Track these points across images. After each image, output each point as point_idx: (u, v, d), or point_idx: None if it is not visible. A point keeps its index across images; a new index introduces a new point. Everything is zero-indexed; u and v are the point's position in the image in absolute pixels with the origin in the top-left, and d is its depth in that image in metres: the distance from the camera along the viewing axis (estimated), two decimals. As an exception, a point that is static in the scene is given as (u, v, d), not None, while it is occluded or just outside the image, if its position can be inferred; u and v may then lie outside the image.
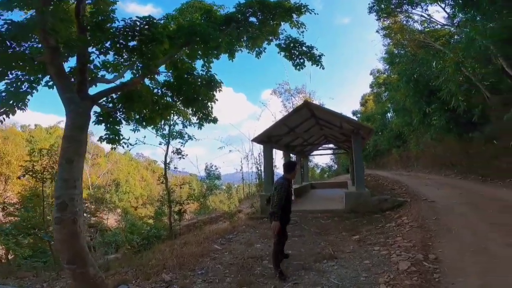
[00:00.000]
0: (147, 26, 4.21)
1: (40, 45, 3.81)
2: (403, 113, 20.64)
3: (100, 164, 40.77)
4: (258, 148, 17.83)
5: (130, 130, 7.13)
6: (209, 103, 5.27)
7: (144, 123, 5.31)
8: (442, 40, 15.75)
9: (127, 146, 5.64)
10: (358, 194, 8.49)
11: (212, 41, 5.11)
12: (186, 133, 9.09)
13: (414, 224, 5.63)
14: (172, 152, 8.98)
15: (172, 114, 6.14)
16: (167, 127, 8.90)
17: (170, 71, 5.34)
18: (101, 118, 4.66)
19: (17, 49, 3.57)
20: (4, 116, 3.59)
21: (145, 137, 8.52)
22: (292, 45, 8.49)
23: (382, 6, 17.06)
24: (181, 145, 9.07)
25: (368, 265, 3.95)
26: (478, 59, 10.81)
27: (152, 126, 6.78)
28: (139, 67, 4.55)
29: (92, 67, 4.47)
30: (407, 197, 8.82)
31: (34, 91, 4.44)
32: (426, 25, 17.57)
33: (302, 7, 7.32)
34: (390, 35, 19.44)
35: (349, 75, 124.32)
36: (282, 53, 8.47)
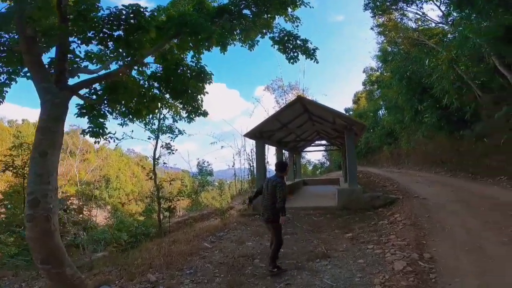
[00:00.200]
0: (133, 15, 3.96)
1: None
2: (395, 111, 20.78)
3: (90, 159, 39.88)
4: (251, 144, 17.67)
5: (118, 124, 6.85)
6: (198, 96, 5.03)
7: (131, 116, 5.05)
8: (436, 38, 15.81)
9: (114, 141, 5.42)
10: (351, 191, 8.43)
11: (203, 32, 4.87)
12: (176, 127, 8.83)
13: (407, 221, 5.57)
14: (161, 147, 8.71)
15: (160, 107, 5.87)
16: (156, 122, 8.60)
17: (155, 60, 5.07)
18: (84, 111, 4.42)
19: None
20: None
21: (132, 131, 8.21)
22: (286, 38, 8.28)
23: (378, 3, 16.97)
24: (171, 140, 8.80)
25: (362, 265, 3.84)
26: (471, 57, 10.84)
27: (140, 120, 6.50)
28: (125, 58, 4.30)
29: (73, 57, 4.20)
30: (399, 194, 8.82)
31: (13, 82, 4.19)
32: (420, 23, 17.60)
33: (298, 0, 7.11)
34: (384, 32, 19.44)
35: (341, 72, 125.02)
36: (276, 46, 8.27)
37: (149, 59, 5.43)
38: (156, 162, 8.78)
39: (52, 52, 4.17)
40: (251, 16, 6.83)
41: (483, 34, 8.80)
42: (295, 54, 8.30)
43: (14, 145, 8.34)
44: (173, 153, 8.81)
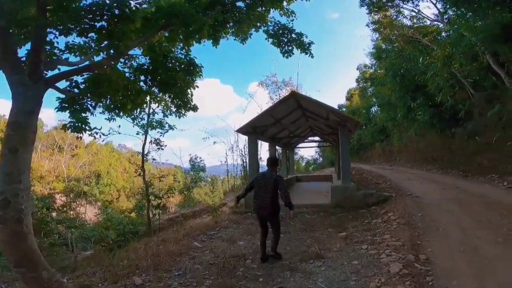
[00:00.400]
0: (116, 4, 3.69)
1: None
2: (388, 108, 20.83)
3: (80, 155, 39.00)
4: (244, 139, 17.47)
5: (105, 119, 6.56)
6: (188, 90, 4.79)
7: (116, 110, 4.79)
8: (430, 36, 15.83)
9: (100, 136, 5.19)
10: (344, 188, 8.34)
11: (194, 24, 4.61)
12: (166, 122, 8.54)
13: (401, 220, 5.50)
14: (150, 142, 8.40)
15: (148, 101, 5.60)
16: (145, 116, 8.29)
17: (143, 52, 4.81)
18: (65, 105, 4.16)
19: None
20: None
21: (119, 126, 7.87)
22: (280, 31, 8.07)
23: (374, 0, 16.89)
24: (161, 135, 8.51)
25: (357, 267, 3.72)
26: (466, 55, 10.85)
27: (127, 115, 6.22)
28: (108, 49, 4.04)
29: (51, 48, 3.92)
30: (392, 192, 8.78)
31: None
32: (415, 21, 17.63)
33: (293, -7, 6.87)
34: (380, 29, 19.44)
35: (334, 69, 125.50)
36: (270, 40, 8.04)
37: (137, 51, 5.17)
38: (145, 158, 8.50)
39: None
40: (245, 8, 6.58)
41: (480, 32, 8.76)
42: (290, 48, 8.10)
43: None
44: (162, 149, 8.54)
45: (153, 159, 9.12)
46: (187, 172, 22.16)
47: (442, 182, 9.89)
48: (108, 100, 4.49)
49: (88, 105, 4.35)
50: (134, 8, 3.91)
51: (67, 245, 9.05)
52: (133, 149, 47.07)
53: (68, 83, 4.17)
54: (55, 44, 3.97)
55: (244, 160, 17.42)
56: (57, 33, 3.77)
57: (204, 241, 5.68)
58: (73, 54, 4.30)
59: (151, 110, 8.27)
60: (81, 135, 4.31)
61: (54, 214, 8.64)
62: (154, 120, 8.72)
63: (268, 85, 23.65)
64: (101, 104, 4.65)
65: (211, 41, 6.62)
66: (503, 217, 5.06)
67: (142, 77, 4.55)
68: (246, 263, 4.36)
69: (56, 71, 3.84)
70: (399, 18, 18.14)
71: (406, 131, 19.55)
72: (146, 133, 8.27)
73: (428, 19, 16.65)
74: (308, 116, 12.13)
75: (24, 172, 2.73)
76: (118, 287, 3.73)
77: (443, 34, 15.25)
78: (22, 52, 3.80)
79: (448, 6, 11.94)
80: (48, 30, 3.64)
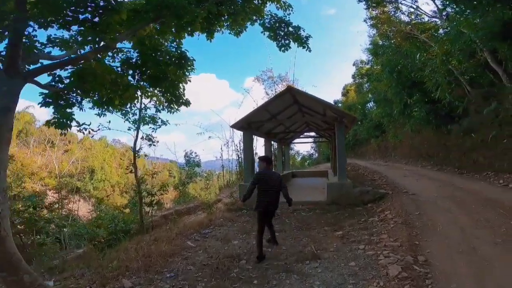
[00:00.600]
0: None
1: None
2: (384, 104, 20.79)
3: (73, 150, 38.36)
4: (239, 135, 17.28)
5: (95, 114, 6.34)
6: (180, 84, 4.58)
7: (104, 105, 4.57)
8: (427, 33, 15.73)
9: (89, 132, 5.01)
10: (340, 185, 8.26)
11: (186, 16, 4.38)
12: (159, 118, 8.30)
13: (398, 219, 5.42)
14: (141, 138, 8.16)
15: (139, 96, 5.38)
16: (137, 112, 8.02)
17: (133, 46, 4.58)
18: (49, 100, 3.95)
19: None
20: None
21: (109, 122, 7.62)
22: (277, 25, 7.85)
23: (372, -5, 16.68)
24: (153, 131, 8.28)
25: (354, 269, 3.61)
26: (464, 52, 10.79)
27: (117, 110, 5.99)
28: (92, 42, 3.82)
29: (29, 42, 3.68)
30: (388, 189, 8.74)
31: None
32: (413, 17, 17.49)
33: (291, -14, 6.64)
34: (377, 25, 19.30)
35: (330, 65, 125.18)
36: (266, 33, 7.82)
37: (127, 45, 4.93)
38: (137, 155, 8.26)
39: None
40: (240, 1, 6.35)
41: (480, 29, 8.66)
42: (287, 41, 7.90)
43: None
44: (154, 145, 8.32)
45: (145, 155, 8.90)
46: (182, 168, 21.96)
47: (437, 179, 9.88)
48: (96, 95, 4.29)
49: (74, 100, 4.15)
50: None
51: (60, 242, 8.85)
52: (128, 144, 46.43)
53: (51, 77, 3.97)
54: (36, 38, 3.77)
55: (240, 156, 17.25)
56: (36, 26, 3.55)
57: (198, 240, 5.54)
58: (57, 48, 4.10)
59: (142, 105, 8.02)
60: (66, 131, 4.12)
61: (45, 212, 8.40)
62: (147, 115, 8.48)
63: (264, 80, 23.42)
64: (89, 99, 4.45)
65: (205, 34, 6.39)
66: (501, 216, 5.00)
67: (131, 71, 4.31)
68: (240, 264, 4.23)
69: (39, 65, 3.63)
70: (397, 14, 17.98)
71: (401, 127, 19.57)
72: (137, 128, 8.03)
73: (426, 15, 16.52)
74: (304, 111, 11.99)
75: (-1, 172, 2.55)
76: (106, 290, 3.58)
77: (441, 31, 15.16)
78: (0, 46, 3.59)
79: (447, 3, 11.80)
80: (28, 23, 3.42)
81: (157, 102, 7.78)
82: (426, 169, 13.48)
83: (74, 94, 4.16)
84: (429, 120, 14.43)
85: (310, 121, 13.69)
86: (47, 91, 3.94)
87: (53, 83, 3.99)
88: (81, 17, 3.62)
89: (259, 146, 20.13)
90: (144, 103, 7.90)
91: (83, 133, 5.15)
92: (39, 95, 4.04)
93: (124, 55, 4.75)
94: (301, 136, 18.82)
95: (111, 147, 45.24)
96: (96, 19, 3.69)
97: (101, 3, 3.58)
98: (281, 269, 3.90)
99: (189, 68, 4.58)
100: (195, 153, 17.84)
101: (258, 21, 7.65)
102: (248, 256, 4.48)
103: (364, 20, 19.87)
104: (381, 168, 15.82)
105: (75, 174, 33.60)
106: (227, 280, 3.72)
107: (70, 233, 9.47)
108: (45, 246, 6.66)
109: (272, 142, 15.53)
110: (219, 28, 6.85)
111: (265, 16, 7.47)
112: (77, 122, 4.98)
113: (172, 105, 4.90)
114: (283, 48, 7.69)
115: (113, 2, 3.48)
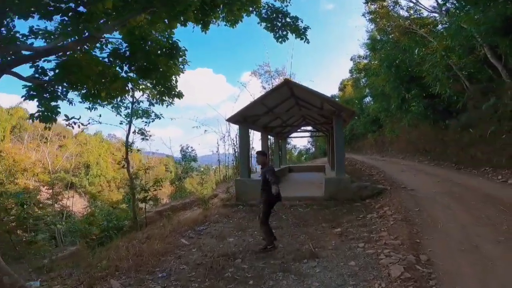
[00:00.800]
0: None
1: None
2: (381, 99, 20.68)
3: (67, 145, 37.81)
4: (236, 129, 17.07)
5: (86, 108, 6.10)
6: (172, 76, 4.34)
7: (92, 98, 4.34)
8: (426, 28, 15.56)
9: (78, 126, 4.81)
10: (338, 180, 8.12)
11: (178, 5, 4.12)
12: (152, 111, 8.02)
13: (398, 216, 5.29)
14: (133, 132, 7.90)
15: (130, 89, 5.12)
16: (130, 105, 7.74)
17: (122, 37, 4.32)
18: (33, 93, 3.73)
19: None
20: None
21: (100, 115, 7.33)
22: (274, 15, 7.61)
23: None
24: (145, 125, 8.02)
25: (354, 269, 3.47)
26: (464, 47, 10.68)
27: (107, 103, 5.74)
28: (75, 33, 3.59)
29: (5, 31, 3.43)
30: (386, 184, 8.62)
31: None
32: (412, 12, 17.29)
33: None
34: (376, 20, 19.11)
35: (328, 60, 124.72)
36: (263, 24, 7.57)
37: (118, 36, 4.66)
38: (129, 149, 8.01)
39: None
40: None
41: (482, 23, 8.51)
42: (284, 33, 7.67)
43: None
44: (147, 139, 8.06)
45: (138, 150, 8.66)
46: (178, 162, 21.73)
47: (435, 174, 9.81)
48: (84, 88, 4.06)
49: (59, 93, 3.92)
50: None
51: (55, 239, 8.66)
52: (123, 138, 45.78)
53: (33, 70, 3.75)
54: (15, 29, 3.53)
55: (236, 150, 17.07)
56: (15, 16, 3.30)
57: (192, 237, 5.37)
58: (41, 39, 3.87)
59: (134, 99, 7.74)
60: (51, 124, 3.91)
61: (36, 209, 8.16)
62: (140, 109, 8.21)
63: (261, 74, 23.17)
64: (76, 92, 4.23)
65: (200, 26, 6.12)
66: (502, 213, 4.91)
67: (118, 62, 4.07)
68: (235, 262, 4.08)
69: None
70: (396, 9, 17.78)
71: (398, 122, 19.49)
72: (130, 122, 7.76)
73: (426, 9, 16.29)
74: (302, 105, 11.79)
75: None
76: (93, 292, 3.40)
77: (440, 26, 15.02)
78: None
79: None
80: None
81: (150, 96, 7.52)
82: (423, 164, 13.43)
83: (60, 87, 3.94)
84: (427, 115, 14.35)
85: (307, 115, 13.51)
86: (30, 84, 3.73)
87: (37, 76, 3.79)
88: (63, 6, 3.39)
89: (255, 140, 19.94)
90: (135, 97, 7.63)
91: (72, 127, 4.94)
92: (22, 88, 3.81)
93: (113, 46, 4.51)
94: (298, 130, 18.66)
95: (106, 142, 44.74)
96: (80, 9, 3.47)
97: None
98: (277, 269, 3.75)
99: (180, 58, 4.34)
100: (191, 147, 17.61)
101: (255, 11, 7.39)
102: (243, 255, 4.33)
103: (363, 15, 19.69)
104: (378, 163, 15.75)
105: (70, 169, 33.19)
106: (222, 280, 3.57)
107: (65, 230, 9.27)
108: (34, 244, 6.44)
109: (269, 137, 15.34)
110: (214, 20, 6.58)
111: (261, 6, 7.22)
112: (66, 116, 4.76)
113: (164, 97, 4.66)
114: (280, 39, 7.45)
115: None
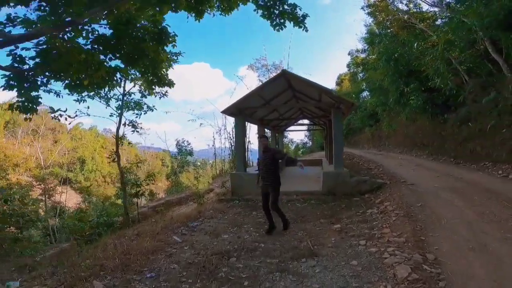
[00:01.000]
0: None
1: None
2: (379, 93, 20.44)
3: (62, 140, 37.19)
4: (232, 122, 16.77)
5: (74, 100, 5.77)
6: (162, 63, 4.02)
7: (75, 88, 4.04)
8: (426, 23, 15.30)
9: (66, 119, 4.51)
10: (336, 174, 7.90)
11: None
12: (145, 103, 7.66)
13: (400, 212, 5.08)
14: (123, 124, 7.54)
15: (118, 78, 4.78)
16: (121, 97, 7.36)
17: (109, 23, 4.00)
18: (12, 82, 3.44)
19: None
20: None
21: (88, 107, 6.94)
22: (271, 2, 7.25)
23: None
24: (136, 117, 7.66)
25: (356, 269, 3.24)
26: (465, 41, 10.48)
27: (93, 94, 5.41)
28: (56, 17, 3.28)
29: None
30: (385, 178, 8.44)
31: None
32: (411, 6, 17.00)
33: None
34: (375, 13, 18.82)
35: (325, 55, 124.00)
36: (259, 12, 7.22)
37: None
38: (120, 142, 7.66)
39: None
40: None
41: (485, 16, 8.32)
42: (282, 20, 7.33)
43: None
44: (138, 132, 7.72)
45: (129, 143, 8.32)
46: (174, 157, 21.45)
47: (434, 169, 9.66)
48: (68, 78, 3.76)
49: (42, 83, 3.65)
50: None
51: (50, 235, 8.38)
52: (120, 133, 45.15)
53: (11, 58, 3.47)
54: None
55: (232, 144, 16.78)
56: None
57: (185, 234, 5.11)
58: (20, 27, 3.58)
59: (125, 91, 7.36)
60: (31, 115, 3.62)
61: (22, 205, 7.82)
62: (132, 101, 7.84)
63: (258, 68, 22.85)
64: (60, 81, 3.92)
65: (193, 15, 5.78)
66: (507, 209, 4.72)
67: (101, 48, 3.75)
68: (230, 261, 3.83)
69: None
70: (395, 3, 17.47)
71: (396, 116, 19.33)
72: (120, 115, 7.39)
73: (426, 3, 15.98)
74: (299, 97, 11.49)
75: None
76: (74, 295, 3.13)
77: (439, 21, 14.82)
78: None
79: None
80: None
81: (142, 87, 7.18)
82: (421, 159, 13.30)
83: (41, 76, 3.66)
84: (426, 108, 14.18)
85: (305, 107, 13.22)
86: (9, 73, 3.44)
87: (16, 64, 3.50)
88: None
89: (252, 133, 19.67)
90: (124, 89, 7.26)
91: (59, 119, 4.64)
92: (1, 78, 3.52)
93: (97, 32, 4.18)
94: (295, 123, 18.41)
95: (102, 137, 44.20)
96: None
97: None
98: (274, 268, 3.51)
99: (170, 44, 4.00)
100: (187, 141, 17.25)
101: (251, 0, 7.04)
102: (238, 253, 4.08)
103: (362, 8, 19.47)
104: (376, 157, 15.62)
105: (64, 164, 32.72)
106: (214, 281, 3.32)
107: (60, 226, 8.98)
108: (20, 242, 6.12)
109: (266, 130, 15.08)
110: (209, 9, 6.24)
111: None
112: (52, 108, 4.48)
113: (154, 86, 4.34)
114: (277, 27, 7.13)
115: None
